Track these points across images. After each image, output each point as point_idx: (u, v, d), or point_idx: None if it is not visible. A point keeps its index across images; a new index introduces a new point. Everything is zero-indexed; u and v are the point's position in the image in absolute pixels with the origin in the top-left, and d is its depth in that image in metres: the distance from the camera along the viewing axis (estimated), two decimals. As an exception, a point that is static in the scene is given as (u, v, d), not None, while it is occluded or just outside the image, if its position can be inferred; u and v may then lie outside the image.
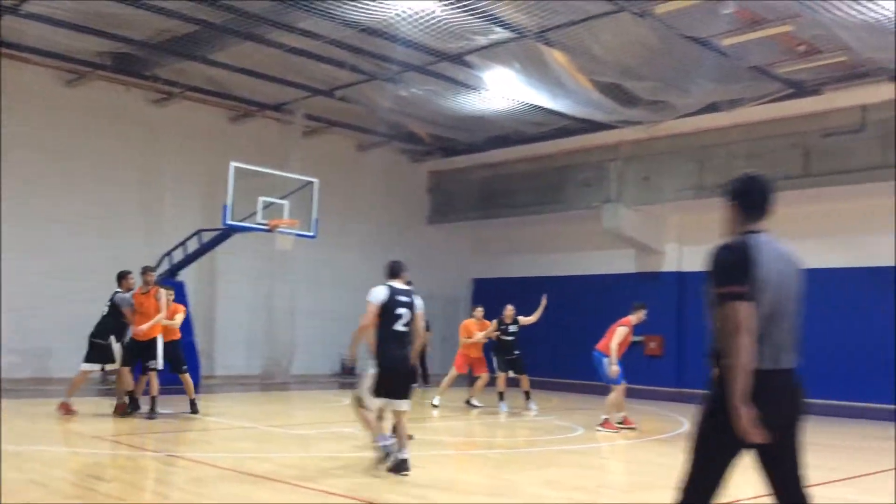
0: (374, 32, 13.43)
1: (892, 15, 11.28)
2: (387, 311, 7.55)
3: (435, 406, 13.94)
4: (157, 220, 17.51)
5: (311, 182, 16.16)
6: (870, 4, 11.00)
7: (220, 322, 18.34)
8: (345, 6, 12.27)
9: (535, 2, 11.95)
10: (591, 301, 19.15)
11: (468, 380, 14.64)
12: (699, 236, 19.10)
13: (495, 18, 12.57)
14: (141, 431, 10.12)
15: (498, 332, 14.04)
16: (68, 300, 15.60)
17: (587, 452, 10.12)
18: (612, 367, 11.34)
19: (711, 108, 16.26)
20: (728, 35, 12.80)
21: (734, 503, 7.12)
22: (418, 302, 7.83)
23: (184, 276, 16.07)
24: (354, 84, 16.57)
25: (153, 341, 11.26)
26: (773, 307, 3.61)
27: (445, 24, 12.72)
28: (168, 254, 15.91)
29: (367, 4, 12.14)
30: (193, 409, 11.58)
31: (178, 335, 11.74)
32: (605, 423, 11.49)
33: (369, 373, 7.59)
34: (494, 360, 14.16)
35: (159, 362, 11.25)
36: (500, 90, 16.16)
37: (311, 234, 16.04)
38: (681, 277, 19.23)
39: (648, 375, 17.81)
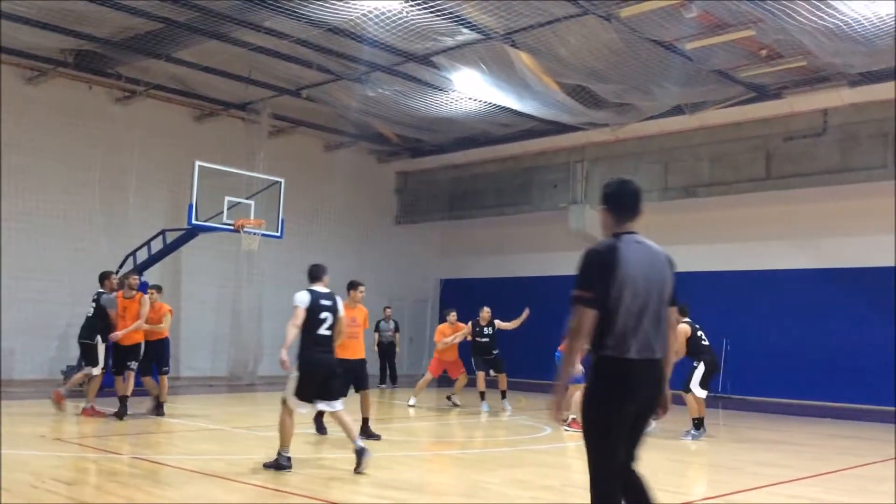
0: (340, 32, 13.39)
1: (851, 21, 11.52)
2: (310, 316, 7.66)
3: (411, 406, 14.11)
4: (121, 219, 17.29)
5: (278, 182, 16.07)
6: (830, 10, 11.21)
7: (186, 323, 18.13)
8: (311, 5, 12.23)
9: (501, 3, 12.00)
10: (558, 302, 19.25)
11: (444, 382, 14.75)
12: (665, 237, 19.29)
13: (462, 19, 12.60)
14: (105, 434, 9.98)
15: (472, 335, 14.14)
16: (29, 301, 15.35)
17: (555, 452, 10.20)
18: (576, 367, 11.41)
19: (676, 110, 16.45)
20: (692, 39, 12.97)
21: (701, 501, 7.24)
22: (341, 305, 7.98)
23: (148, 276, 15.85)
24: (321, 84, 16.52)
25: (137, 344, 11.33)
26: (639, 303, 3.87)
27: (412, 24, 12.73)
28: (132, 254, 15.71)
29: (334, 4, 12.10)
30: (160, 412, 11.50)
31: (165, 334, 11.80)
32: (572, 423, 11.57)
33: (292, 376, 7.63)
34: (473, 360, 14.25)
35: (138, 363, 11.34)
36: (467, 91, 16.20)
37: (278, 234, 15.95)
38: (646, 278, 19.44)
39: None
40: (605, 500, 3.86)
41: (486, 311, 14.19)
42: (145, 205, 17.55)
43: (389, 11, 12.36)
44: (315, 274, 8.03)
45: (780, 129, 16.41)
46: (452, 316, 14.54)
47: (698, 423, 11.13)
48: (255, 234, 15.41)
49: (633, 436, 4.01)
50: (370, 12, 12.39)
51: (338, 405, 7.74)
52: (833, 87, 15.04)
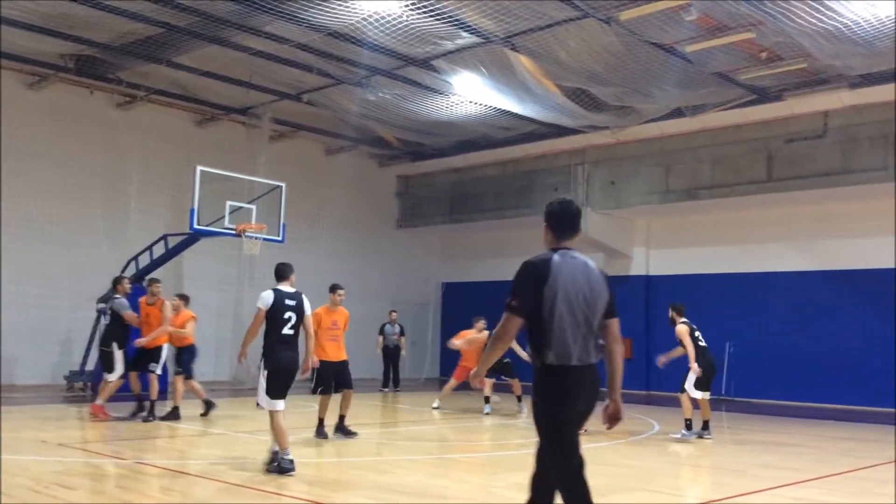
0: (340, 36, 13.41)
1: (851, 23, 11.52)
2: (274, 315, 7.73)
3: (435, 408, 14.46)
4: (123, 224, 17.31)
5: (279, 186, 16.08)
6: (829, 13, 11.22)
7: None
8: (311, 10, 12.24)
9: (500, 6, 12.01)
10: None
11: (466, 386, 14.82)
12: (666, 240, 19.34)
13: (461, 23, 12.62)
14: (108, 439, 9.99)
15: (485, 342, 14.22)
16: (30, 306, 15.35)
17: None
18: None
19: (677, 113, 16.45)
20: (692, 42, 12.98)
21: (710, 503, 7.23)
22: (307, 304, 7.96)
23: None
24: (322, 88, 16.54)
25: (158, 348, 11.64)
26: (574, 314, 4.15)
27: (412, 28, 12.75)
28: (134, 259, 15.73)
29: (334, 8, 12.12)
30: (176, 416, 11.67)
31: (191, 340, 12.12)
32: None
33: (260, 378, 7.69)
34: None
35: (160, 367, 11.64)
36: (468, 95, 16.21)
37: (279, 238, 15.94)
38: (649, 281, 19.42)
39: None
40: (571, 474, 4.11)
41: (481, 323, 14.35)
42: (146, 210, 17.55)
43: (389, 15, 12.37)
44: (281, 273, 8.04)
45: (781, 132, 16.41)
46: (481, 323, 14.50)
47: (690, 424, 11.11)
48: (256, 238, 15.42)
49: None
50: (370, 16, 12.41)
51: (281, 405, 7.72)
52: (833, 89, 15.05)
